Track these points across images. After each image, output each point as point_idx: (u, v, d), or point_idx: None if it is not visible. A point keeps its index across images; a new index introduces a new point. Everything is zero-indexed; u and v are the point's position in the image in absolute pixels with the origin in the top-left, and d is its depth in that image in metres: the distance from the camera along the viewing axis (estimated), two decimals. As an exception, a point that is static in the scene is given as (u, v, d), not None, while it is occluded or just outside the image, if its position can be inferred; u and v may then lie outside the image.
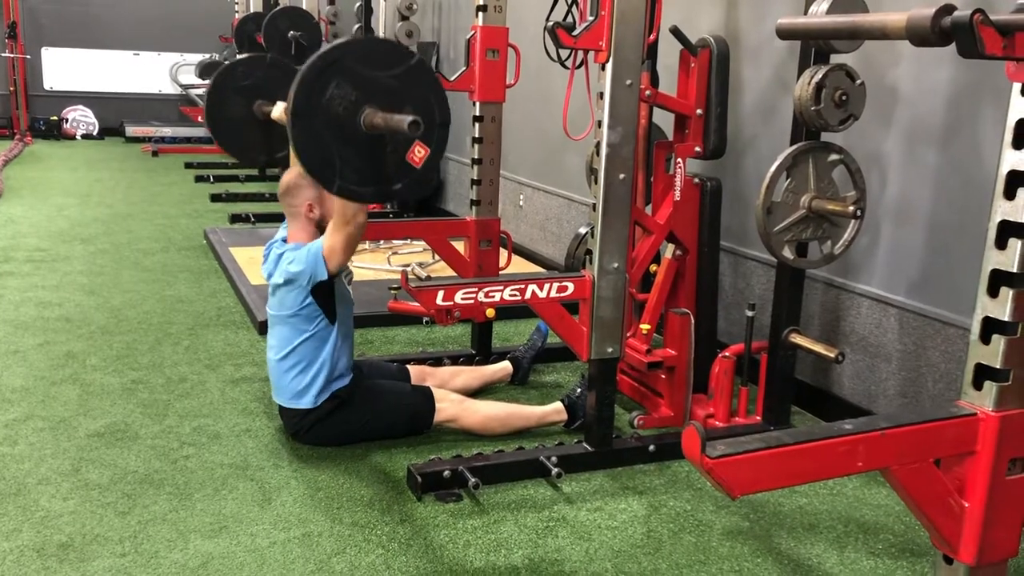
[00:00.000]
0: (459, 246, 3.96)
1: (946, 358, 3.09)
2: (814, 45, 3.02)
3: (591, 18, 2.80)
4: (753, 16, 3.92)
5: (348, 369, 3.19)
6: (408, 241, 6.01)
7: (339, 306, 3.11)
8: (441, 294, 2.79)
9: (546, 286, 2.90)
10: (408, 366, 3.56)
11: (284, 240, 3.22)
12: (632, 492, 2.95)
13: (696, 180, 3.47)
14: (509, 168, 6.40)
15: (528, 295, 2.89)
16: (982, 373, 1.65)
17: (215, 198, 7.89)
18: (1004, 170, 1.60)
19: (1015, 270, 1.59)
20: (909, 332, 3.23)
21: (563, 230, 5.56)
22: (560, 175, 5.59)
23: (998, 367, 1.63)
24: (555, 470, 2.93)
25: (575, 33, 2.79)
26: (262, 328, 4.33)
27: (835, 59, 2.99)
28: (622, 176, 2.89)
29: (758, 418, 3.40)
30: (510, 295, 2.87)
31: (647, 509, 2.84)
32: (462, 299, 2.81)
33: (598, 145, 2.88)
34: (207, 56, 11.73)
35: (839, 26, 1.76)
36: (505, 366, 3.78)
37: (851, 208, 2.97)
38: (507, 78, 3.84)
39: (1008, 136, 1.59)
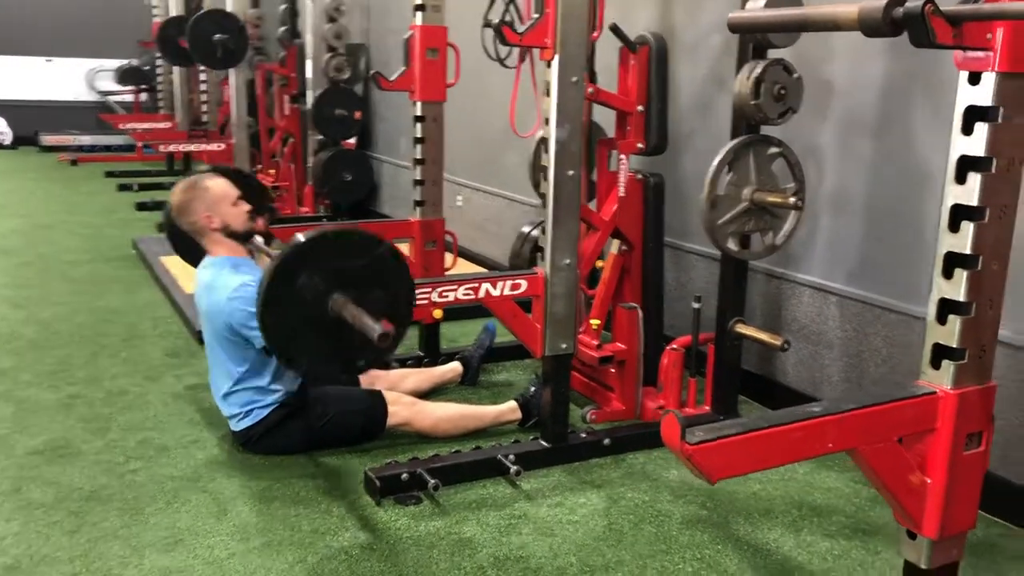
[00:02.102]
0: (402, 247, 3.93)
1: (887, 343, 3.18)
2: (752, 40, 3.07)
3: (536, 15, 2.81)
4: (688, 13, 3.98)
5: (295, 379, 3.13)
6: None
7: None
8: (394, 295, 2.76)
9: (499, 284, 2.90)
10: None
11: (208, 256, 3.14)
12: (590, 486, 2.96)
13: (639, 176, 3.51)
14: (445, 168, 6.39)
15: (482, 293, 2.88)
16: (940, 353, 1.71)
17: (141, 207, 7.68)
18: (954, 156, 1.66)
19: (968, 252, 1.65)
20: (850, 319, 3.32)
21: (503, 230, 5.56)
22: (498, 175, 5.60)
23: (955, 346, 1.68)
24: (513, 468, 2.93)
25: (521, 31, 2.80)
26: (200, 338, 4.23)
27: (772, 54, 3.06)
28: (571, 172, 2.91)
29: (707, 408, 3.45)
30: (464, 294, 2.86)
31: (606, 502, 2.86)
32: (417, 300, 2.79)
33: (546, 142, 2.89)
34: (126, 62, 11.40)
35: (790, 18, 1.80)
36: (455, 367, 3.77)
37: (792, 199, 3.03)
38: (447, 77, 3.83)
39: (957, 123, 1.65)
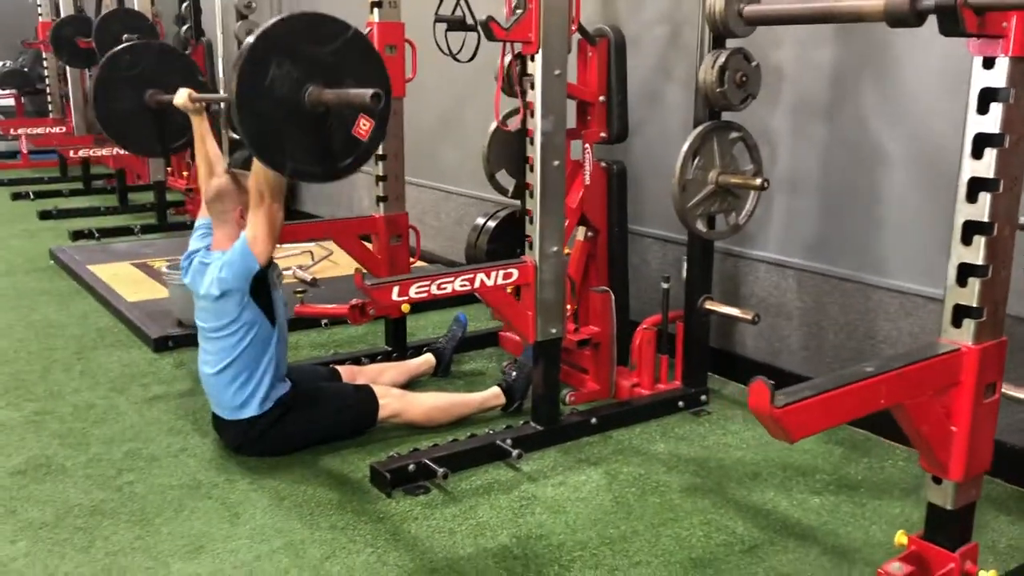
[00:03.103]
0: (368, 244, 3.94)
1: (845, 311, 3.40)
2: (713, 31, 3.22)
3: (519, 11, 2.88)
4: (630, 6, 4.12)
5: (288, 374, 3.13)
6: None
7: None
8: (396, 289, 2.81)
9: (493, 274, 2.97)
10: (337, 367, 3.52)
11: (208, 248, 3.11)
12: (587, 464, 3.07)
13: (603, 164, 3.64)
14: (373, 164, 6.37)
15: (477, 284, 2.95)
16: (960, 312, 1.89)
17: (45, 215, 7.34)
18: (971, 134, 1.83)
19: (986, 220, 1.83)
20: (808, 290, 3.54)
21: (442, 223, 5.61)
22: (434, 168, 5.63)
23: (975, 305, 1.86)
24: (515, 451, 3.01)
25: (507, 26, 2.87)
26: (157, 345, 4.15)
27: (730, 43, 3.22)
28: (556, 163, 3.00)
29: (678, 383, 3.61)
30: (461, 285, 2.92)
31: (606, 478, 2.97)
32: (416, 293, 2.84)
33: (531, 134, 2.98)
34: (3, 63, 10.81)
35: (810, 12, 1.94)
36: (428, 359, 3.81)
37: (758, 180, 3.21)
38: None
39: (973, 104, 1.81)
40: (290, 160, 2.49)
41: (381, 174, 3.84)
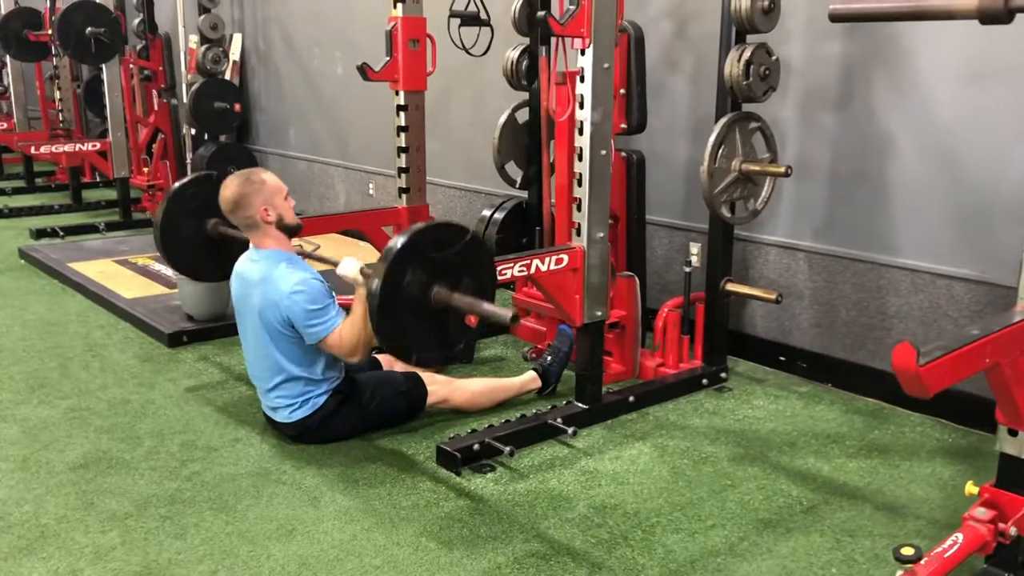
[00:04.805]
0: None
1: (856, 289, 3.64)
2: (737, 27, 3.41)
3: (572, 7, 3.00)
4: (636, 2, 4.28)
5: (341, 367, 3.18)
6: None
7: None
8: (464, 276, 2.90)
9: (547, 259, 3.09)
10: (376, 356, 3.59)
11: (256, 247, 3.12)
12: (634, 439, 3.23)
13: (623, 154, 3.79)
14: (351, 158, 6.41)
15: (533, 269, 3.06)
16: (1037, 281, 2.11)
17: (-5, 215, 7.12)
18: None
19: (1063, 197, 2.05)
20: (819, 271, 3.76)
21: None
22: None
23: (1051, 275, 2.09)
24: (570, 429, 3.14)
25: (562, 21, 2.99)
26: (171, 341, 4.12)
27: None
28: (603, 152, 3.14)
29: (698, 363, 3.79)
30: (519, 270, 3.03)
31: (657, 451, 3.13)
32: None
33: (581, 124, 3.10)
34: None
35: (900, 10, 2.12)
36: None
37: (783, 168, 3.41)
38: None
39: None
40: (415, 351, 2.68)
41: (403, 166, 3.91)
